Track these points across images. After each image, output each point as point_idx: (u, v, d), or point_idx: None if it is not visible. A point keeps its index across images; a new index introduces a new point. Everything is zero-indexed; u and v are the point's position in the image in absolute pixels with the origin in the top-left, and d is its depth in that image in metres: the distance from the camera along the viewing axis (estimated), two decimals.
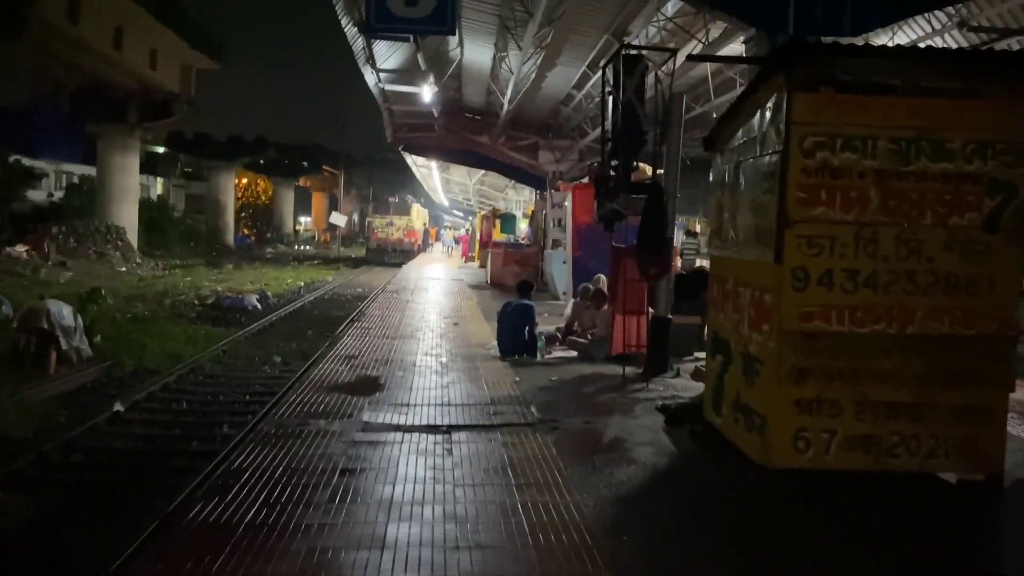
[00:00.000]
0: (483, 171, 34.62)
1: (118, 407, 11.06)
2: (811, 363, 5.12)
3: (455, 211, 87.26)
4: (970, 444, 5.23)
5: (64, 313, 13.95)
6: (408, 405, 7.66)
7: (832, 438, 5.17)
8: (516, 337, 10.32)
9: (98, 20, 30.54)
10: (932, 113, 5.13)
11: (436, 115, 19.58)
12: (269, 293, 24.70)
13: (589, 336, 10.63)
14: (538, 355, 10.24)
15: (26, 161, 44.74)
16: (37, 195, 45.67)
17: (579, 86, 16.58)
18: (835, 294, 5.09)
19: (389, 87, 17.13)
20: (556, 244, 19.03)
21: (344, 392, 8.07)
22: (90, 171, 42.12)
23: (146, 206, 47.22)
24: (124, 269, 34.37)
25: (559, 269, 17.72)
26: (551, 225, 22.49)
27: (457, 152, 24.02)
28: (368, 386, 8.42)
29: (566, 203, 14.24)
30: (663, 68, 9.84)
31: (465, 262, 37.67)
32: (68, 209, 41.38)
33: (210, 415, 11.26)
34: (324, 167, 69.17)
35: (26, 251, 32.50)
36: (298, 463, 5.68)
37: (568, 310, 13.06)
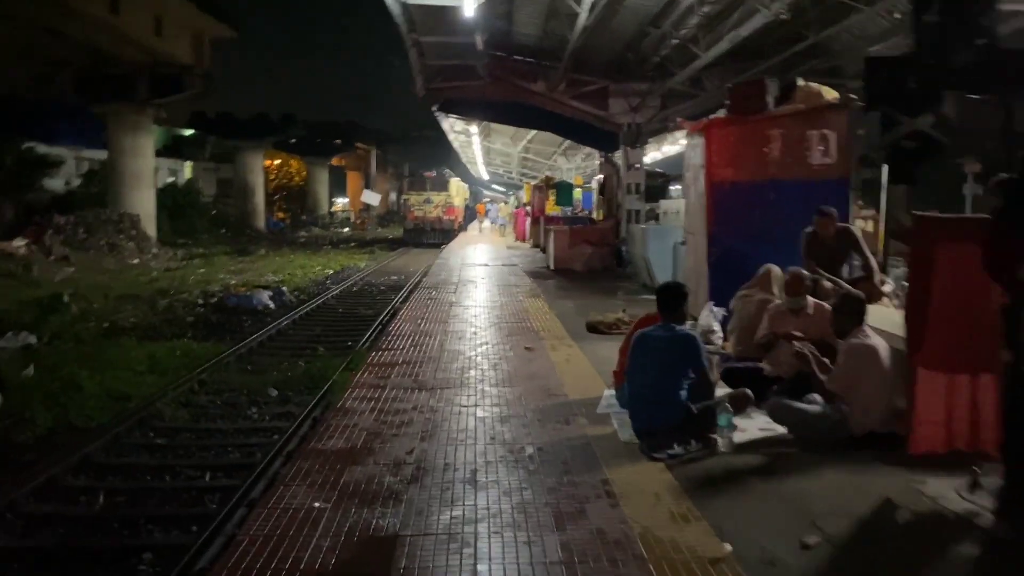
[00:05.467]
0: (531, 135, 29.05)
1: None
2: None
3: (495, 185, 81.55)
4: None
5: None
6: None
7: None
8: (666, 400, 5.03)
9: None
10: None
11: (480, 47, 14.07)
12: (285, 288, 19.71)
13: (810, 369, 5.34)
14: (718, 440, 4.96)
15: (42, 148, 40.50)
16: (55, 183, 41.47)
17: None
18: None
19: (415, 0, 11.72)
20: (648, 217, 13.65)
21: None
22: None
23: (170, 191, 42.83)
24: (137, 261, 29.73)
25: (660, 251, 12.36)
26: (627, 192, 17.14)
27: (504, 106, 18.43)
28: None
29: (694, 150, 8.84)
30: None
31: (513, 241, 32.38)
32: (85, 197, 37.00)
33: (131, 524, 6.31)
34: (358, 145, 63.97)
35: (25, 245, 27.92)
36: None
37: (720, 320, 7.74)
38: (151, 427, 8.84)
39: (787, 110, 8.49)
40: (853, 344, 4.97)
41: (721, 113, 8.92)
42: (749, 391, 5.32)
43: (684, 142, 26.82)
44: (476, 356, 8.15)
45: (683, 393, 5.06)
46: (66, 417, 9.02)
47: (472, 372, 7.36)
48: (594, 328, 9.50)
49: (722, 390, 5.64)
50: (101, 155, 41.03)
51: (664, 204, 16.15)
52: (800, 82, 8.85)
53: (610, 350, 8.07)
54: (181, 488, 7.14)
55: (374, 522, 3.90)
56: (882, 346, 4.85)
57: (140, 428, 8.74)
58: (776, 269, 7.33)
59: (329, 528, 3.83)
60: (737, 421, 5.15)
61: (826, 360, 5.33)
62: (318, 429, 5.64)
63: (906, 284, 5.16)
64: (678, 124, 9.94)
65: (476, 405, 6.13)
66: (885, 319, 5.55)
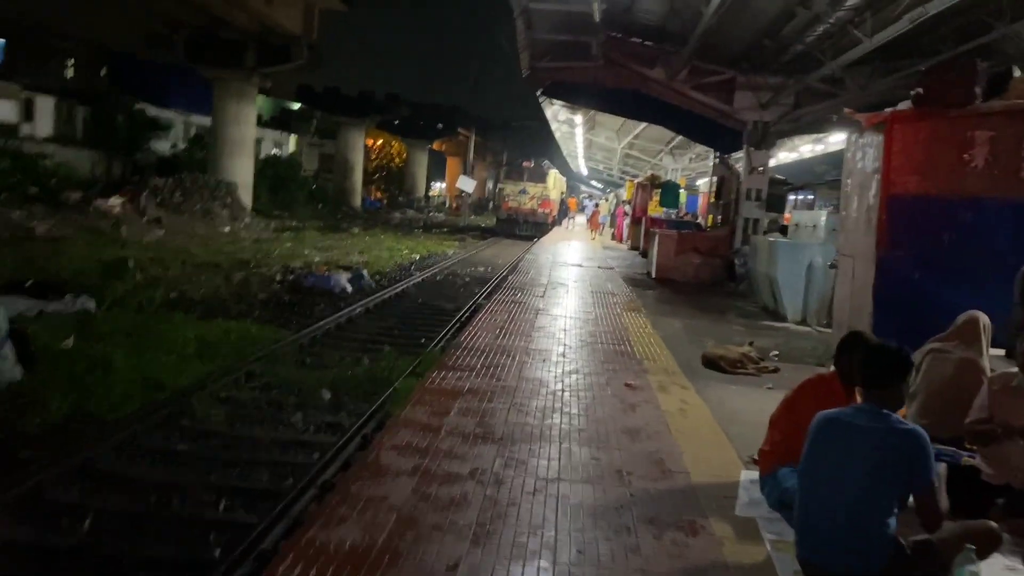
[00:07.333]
0: (638, 129, 26.87)
1: None
2: None
3: (593, 181, 79.24)
4: None
5: None
6: None
7: None
8: (866, 531, 3.12)
9: None
10: None
11: (597, 18, 12.15)
12: (366, 272, 18.34)
13: None
14: None
15: (152, 110, 40.81)
16: (162, 146, 41.80)
17: None
18: None
19: None
20: (770, 228, 11.52)
21: None
22: None
23: (272, 163, 42.71)
24: (228, 229, 29.16)
25: (791, 271, 10.25)
26: (747, 198, 14.97)
27: (616, 94, 16.37)
28: None
29: (865, 151, 6.73)
30: None
31: (610, 240, 30.36)
32: (188, 161, 36.97)
33: (110, 567, 4.90)
34: (460, 130, 62.92)
35: (120, 205, 27.61)
36: None
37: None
38: (177, 427, 7.44)
39: (1001, 106, 6.33)
40: None
41: (904, 105, 6.78)
42: (996, 526, 3.32)
43: (808, 148, 24.19)
44: (562, 391, 6.33)
45: (892, 521, 3.14)
46: (88, 404, 7.72)
47: (556, 418, 5.53)
48: (713, 364, 7.51)
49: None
50: (208, 121, 41.28)
51: (798, 216, 13.93)
52: (1016, 72, 6.66)
53: (741, 401, 6.13)
54: (186, 519, 5.65)
55: None
56: None
57: (164, 427, 7.37)
58: (985, 319, 5.26)
59: None
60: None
61: None
62: (331, 502, 3.92)
63: None
64: (846, 115, 7.77)
65: (558, 479, 4.30)
66: None
